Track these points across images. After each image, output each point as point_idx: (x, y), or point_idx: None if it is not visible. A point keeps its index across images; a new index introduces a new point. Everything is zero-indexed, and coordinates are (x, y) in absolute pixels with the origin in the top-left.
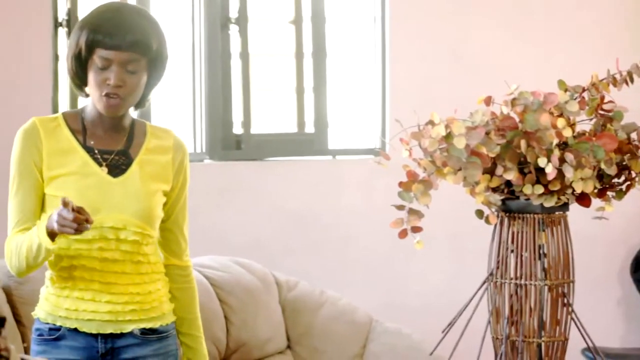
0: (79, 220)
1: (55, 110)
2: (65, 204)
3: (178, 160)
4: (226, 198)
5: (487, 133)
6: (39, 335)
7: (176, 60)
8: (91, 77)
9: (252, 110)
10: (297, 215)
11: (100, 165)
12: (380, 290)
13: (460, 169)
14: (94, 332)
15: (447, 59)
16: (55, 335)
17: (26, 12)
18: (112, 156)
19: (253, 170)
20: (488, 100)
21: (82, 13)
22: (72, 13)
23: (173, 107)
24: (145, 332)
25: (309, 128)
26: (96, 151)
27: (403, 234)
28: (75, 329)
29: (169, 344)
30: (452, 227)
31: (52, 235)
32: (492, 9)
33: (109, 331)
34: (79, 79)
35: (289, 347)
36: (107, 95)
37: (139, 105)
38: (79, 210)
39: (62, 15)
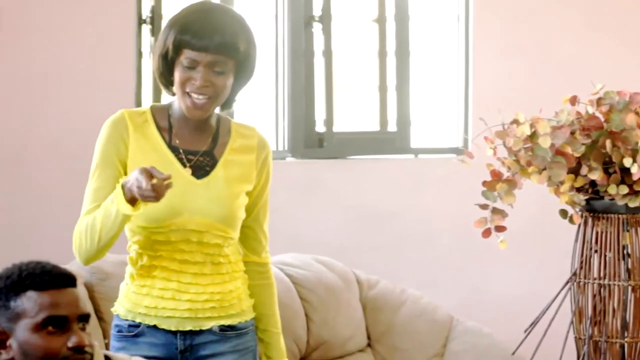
0: (159, 188)
1: (138, 107)
2: (144, 171)
3: (262, 159)
4: (308, 196)
5: (572, 133)
6: (118, 331)
7: (260, 58)
8: (177, 76)
9: (334, 109)
10: (378, 214)
11: (185, 166)
12: (462, 289)
13: (544, 169)
14: (173, 329)
15: (531, 58)
16: (134, 332)
17: (110, 9)
18: (197, 157)
19: (335, 169)
20: (573, 100)
21: (166, 10)
22: (155, 10)
23: (256, 105)
24: (224, 328)
25: (392, 126)
26: (181, 151)
27: (487, 233)
28: (155, 326)
29: (248, 340)
30: (535, 226)
31: (132, 200)
32: (577, 7)
33: (188, 328)
34: (165, 78)
35: (369, 345)
36: (192, 94)
37: (225, 106)
38: (151, 175)
39: (146, 13)
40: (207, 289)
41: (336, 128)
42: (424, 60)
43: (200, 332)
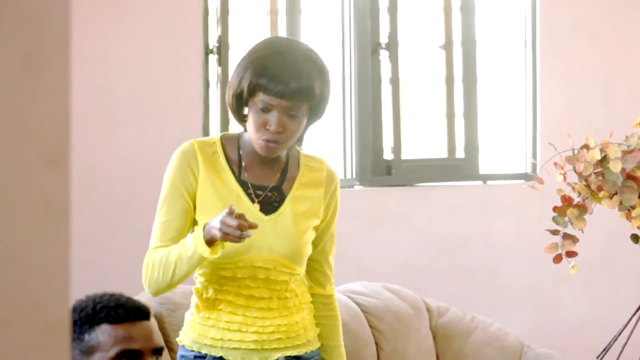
0: (243, 228)
1: (205, 136)
2: (230, 212)
3: (330, 192)
4: (376, 224)
5: None
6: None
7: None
8: (251, 117)
9: (402, 136)
10: (447, 241)
11: (253, 201)
12: (532, 315)
13: (615, 193)
14: None
15: (599, 81)
16: None
17: (177, 39)
18: (266, 192)
19: (403, 196)
20: None
21: (233, 40)
22: (222, 40)
23: (324, 133)
24: (290, 359)
25: (460, 153)
26: (250, 186)
27: (558, 258)
28: (221, 357)
29: None
30: (606, 251)
31: (210, 243)
32: None
33: None
34: (239, 115)
35: None
36: (266, 140)
37: (299, 141)
38: (241, 217)
39: (212, 42)
40: (274, 322)
41: (404, 155)
42: (491, 86)
43: None
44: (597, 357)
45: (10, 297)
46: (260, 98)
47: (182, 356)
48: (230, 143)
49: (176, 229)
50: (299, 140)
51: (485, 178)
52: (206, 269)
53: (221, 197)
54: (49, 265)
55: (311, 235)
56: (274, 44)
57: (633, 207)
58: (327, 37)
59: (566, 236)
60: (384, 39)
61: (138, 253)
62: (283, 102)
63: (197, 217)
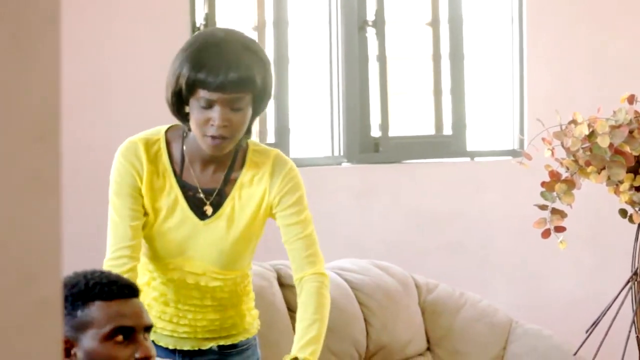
0: None
1: None
2: None
3: (275, 187)
4: (364, 201)
5: (631, 132)
6: None
7: (314, 64)
8: (193, 115)
9: (389, 113)
10: (435, 217)
11: (190, 205)
12: (521, 291)
13: (603, 168)
14: (171, 347)
15: (586, 57)
16: None
17: (164, 17)
18: (206, 195)
19: (391, 173)
20: (631, 99)
21: (220, 18)
22: (209, 18)
23: (311, 111)
24: (224, 347)
25: (447, 130)
26: (190, 188)
27: (546, 234)
28: (153, 342)
29: (249, 355)
30: (595, 226)
31: None
32: (633, 7)
33: (186, 348)
34: (180, 115)
35: (428, 349)
36: (211, 136)
37: (246, 135)
38: None
39: (199, 21)
40: (207, 316)
41: (391, 132)
42: (478, 63)
43: (200, 351)
44: (586, 332)
45: (3, 273)
46: (201, 95)
47: None
48: (175, 139)
49: (126, 232)
50: (247, 133)
51: (473, 155)
52: (143, 256)
53: (159, 197)
54: (40, 241)
55: (250, 237)
56: (210, 37)
57: (621, 182)
58: (313, 14)
59: (554, 211)
60: (370, 16)
61: None
62: (225, 96)
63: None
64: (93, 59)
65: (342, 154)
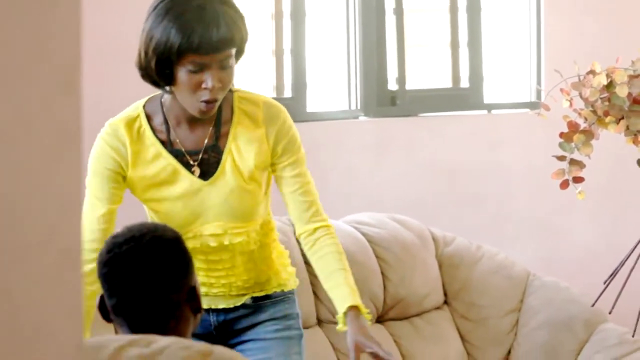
0: None
1: None
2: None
3: (275, 131)
4: (382, 155)
5: None
6: None
7: (330, 18)
8: (182, 81)
9: (406, 67)
10: (453, 171)
11: (190, 168)
12: (538, 244)
13: (622, 118)
14: (204, 306)
15: (604, 8)
16: None
17: None
18: (202, 155)
19: (408, 126)
20: None
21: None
22: None
23: (328, 64)
24: (258, 299)
25: (464, 83)
26: (184, 152)
27: (564, 184)
28: None
29: (287, 307)
30: (612, 177)
31: None
32: None
33: (221, 306)
34: (162, 77)
35: (445, 302)
36: (205, 101)
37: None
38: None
39: None
40: (241, 277)
41: (408, 86)
42: (495, 15)
43: (235, 307)
44: (604, 282)
45: (27, 224)
46: (191, 59)
47: None
48: (154, 110)
49: (95, 221)
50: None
51: (490, 107)
52: None
53: (155, 173)
54: (62, 192)
55: (260, 181)
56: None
57: (639, 132)
58: None
59: (573, 162)
60: None
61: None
62: (216, 57)
63: (138, 196)
64: (110, 21)
65: (359, 107)
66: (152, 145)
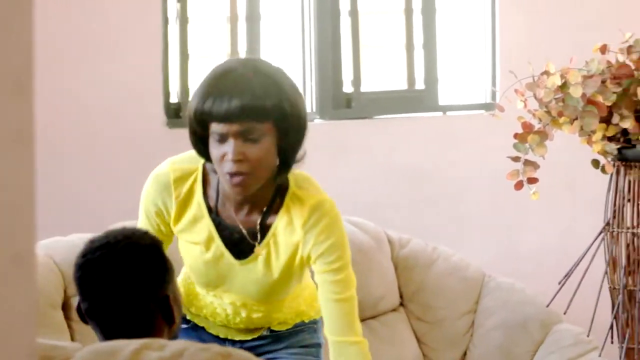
0: None
1: (167, 100)
2: None
3: (310, 243)
4: (337, 157)
5: (603, 81)
6: None
7: (285, 20)
8: (211, 152)
9: (362, 69)
10: (408, 173)
11: (225, 243)
12: (494, 245)
13: (576, 119)
14: (222, 336)
15: (558, 8)
16: (185, 325)
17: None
18: (241, 235)
19: (364, 129)
20: (603, 49)
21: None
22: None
23: (283, 66)
24: (275, 330)
25: (419, 84)
26: (225, 226)
27: (519, 185)
28: (203, 328)
29: (307, 338)
30: (567, 178)
31: None
32: None
33: (237, 338)
34: (202, 154)
35: (401, 304)
36: (230, 173)
37: (283, 172)
38: None
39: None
40: (261, 320)
41: (364, 88)
42: (450, 17)
43: (252, 339)
44: (559, 283)
45: None
46: (213, 129)
47: None
48: (213, 172)
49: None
50: (285, 168)
51: (445, 109)
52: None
53: (195, 230)
54: (14, 196)
55: (293, 274)
56: (221, 66)
57: (593, 132)
58: None
59: (527, 162)
60: None
61: (100, 188)
62: (235, 127)
63: (179, 238)
64: (65, 15)
65: (314, 110)
66: (199, 206)
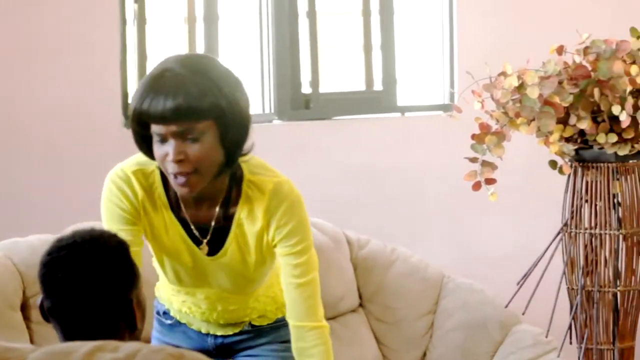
0: None
1: (125, 100)
2: None
3: (272, 228)
4: (296, 158)
5: (560, 82)
6: (156, 313)
7: (243, 21)
8: (154, 152)
9: (320, 70)
10: (367, 174)
11: (195, 241)
12: (453, 245)
13: (533, 120)
14: (204, 331)
15: (516, 9)
16: (169, 321)
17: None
18: (202, 232)
19: (322, 130)
20: (560, 50)
21: (149, 11)
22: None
23: (241, 68)
24: (257, 325)
25: (377, 85)
26: (191, 225)
27: (477, 186)
28: (185, 324)
29: (288, 332)
30: (525, 179)
31: None
32: None
33: (219, 333)
34: (147, 153)
35: (361, 305)
36: (173, 174)
37: (229, 165)
38: None
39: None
40: (239, 313)
41: (322, 89)
42: (408, 18)
43: (233, 334)
44: (517, 284)
45: None
46: (153, 129)
47: (155, 307)
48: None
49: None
50: (231, 161)
51: (403, 110)
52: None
53: (160, 234)
54: None
55: (264, 260)
56: (161, 64)
57: (551, 133)
58: None
59: (485, 163)
60: None
61: (58, 189)
62: (172, 128)
63: (151, 246)
64: (20, 18)
65: (272, 111)
66: (162, 206)
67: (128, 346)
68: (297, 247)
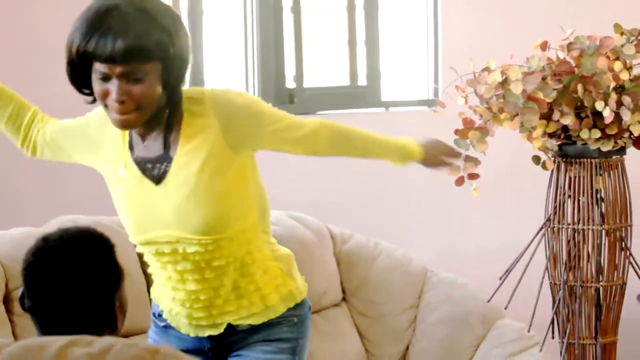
0: None
1: None
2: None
3: (223, 120)
4: (280, 153)
5: (544, 78)
6: (152, 314)
7: (228, 15)
8: (94, 88)
9: (304, 64)
10: (351, 168)
11: (144, 172)
12: (437, 240)
13: (516, 115)
14: (192, 335)
15: (500, 5)
16: (163, 323)
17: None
18: (152, 163)
19: None
20: (544, 46)
21: None
22: None
23: (225, 62)
24: (244, 326)
25: (362, 80)
26: (139, 156)
27: (460, 181)
28: (177, 329)
29: (283, 330)
30: (508, 174)
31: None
32: None
33: (207, 334)
34: (82, 85)
35: (344, 299)
36: (114, 112)
37: (170, 104)
38: None
39: None
40: (219, 292)
41: (306, 83)
42: (392, 13)
43: (225, 333)
44: (500, 279)
45: None
46: (96, 67)
47: (152, 308)
48: None
49: (41, 117)
50: (173, 99)
51: (387, 105)
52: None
53: (115, 167)
54: None
55: (228, 194)
56: (105, 1)
57: (534, 129)
58: None
59: (468, 158)
60: None
61: (40, 181)
62: (118, 68)
63: (100, 171)
64: (9, 13)
65: None
66: (117, 142)
67: (102, 341)
68: (277, 124)
